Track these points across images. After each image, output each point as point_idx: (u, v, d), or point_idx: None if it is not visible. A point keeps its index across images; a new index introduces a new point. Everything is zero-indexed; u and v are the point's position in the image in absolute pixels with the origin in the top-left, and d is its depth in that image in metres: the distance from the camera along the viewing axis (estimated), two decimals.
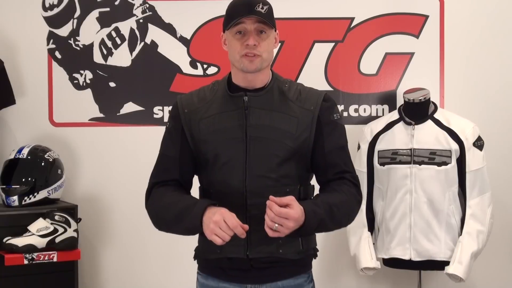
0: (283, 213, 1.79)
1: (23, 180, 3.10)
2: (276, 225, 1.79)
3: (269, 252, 1.94)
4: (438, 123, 3.07)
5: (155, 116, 3.43)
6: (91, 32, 3.44)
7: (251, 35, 1.91)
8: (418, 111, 3.10)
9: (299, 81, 3.41)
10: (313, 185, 2.07)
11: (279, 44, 3.41)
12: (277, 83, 2.02)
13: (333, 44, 3.44)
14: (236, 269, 1.98)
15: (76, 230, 3.06)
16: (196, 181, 2.10)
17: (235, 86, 2.01)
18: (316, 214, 1.87)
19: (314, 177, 2.09)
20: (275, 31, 1.99)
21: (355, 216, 2.04)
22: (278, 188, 1.93)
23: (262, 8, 1.90)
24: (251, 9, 1.89)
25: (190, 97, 2.05)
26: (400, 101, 3.30)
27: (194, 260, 2.10)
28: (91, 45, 3.45)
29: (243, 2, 1.92)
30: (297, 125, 1.96)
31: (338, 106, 3.39)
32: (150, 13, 3.45)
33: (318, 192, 2.04)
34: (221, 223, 1.81)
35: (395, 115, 3.17)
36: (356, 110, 3.45)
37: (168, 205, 1.96)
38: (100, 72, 3.45)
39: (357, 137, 3.25)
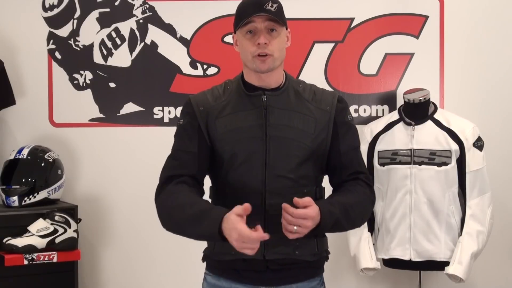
0: (302, 214, 1.78)
1: (23, 180, 3.10)
2: (295, 227, 1.79)
3: (286, 254, 1.92)
4: (438, 123, 3.07)
5: (155, 116, 3.43)
6: (91, 32, 3.44)
7: (262, 34, 1.89)
8: (418, 111, 3.10)
9: None
10: (324, 187, 2.05)
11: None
12: (291, 83, 2.02)
13: (333, 44, 3.44)
14: (251, 270, 1.94)
15: (76, 231, 3.06)
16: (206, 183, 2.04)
17: (250, 85, 1.99)
18: (332, 214, 1.86)
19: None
20: (287, 29, 1.98)
21: (369, 216, 2.08)
22: (296, 188, 1.92)
23: (272, 6, 1.89)
24: (260, 7, 1.88)
25: (203, 96, 2.01)
26: (400, 102, 3.30)
27: (203, 262, 2.05)
28: (91, 45, 3.45)
29: (252, 1, 1.90)
30: (315, 125, 1.96)
31: None
32: (150, 13, 3.45)
33: (331, 194, 2.03)
34: (243, 239, 1.74)
35: (395, 115, 3.17)
36: (356, 111, 3.45)
37: (182, 206, 1.87)
38: (100, 73, 3.45)
39: None
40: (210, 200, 1.99)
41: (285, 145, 1.93)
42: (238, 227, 1.74)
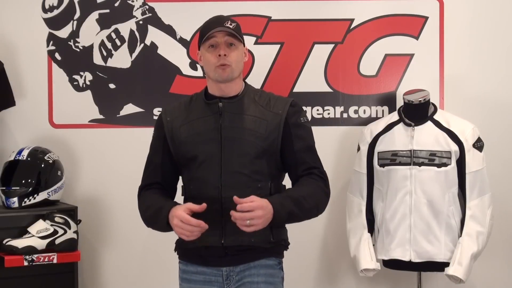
0: (247, 207, 2.02)
1: (23, 181, 3.10)
2: (248, 221, 2.02)
3: (242, 241, 2.17)
4: (437, 124, 3.07)
5: (155, 117, 3.42)
6: (91, 33, 3.44)
7: (222, 47, 2.20)
8: (417, 112, 3.10)
9: (298, 82, 3.42)
10: (285, 185, 2.32)
11: (278, 45, 3.43)
12: (249, 92, 2.30)
13: (332, 45, 3.44)
14: (212, 255, 2.22)
15: (76, 232, 3.06)
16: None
17: (211, 95, 2.29)
18: (284, 206, 2.11)
19: (286, 177, 2.33)
20: (244, 46, 2.28)
21: (325, 206, 2.27)
22: (250, 183, 2.19)
23: (231, 24, 2.22)
24: (220, 24, 2.21)
25: (172, 108, 2.35)
26: (400, 103, 3.30)
27: (175, 251, 2.36)
28: (91, 46, 3.45)
29: (213, 20, 2.26)
30: (266, 126, 2.22)
31: (338, 107, 3.44)
32: (150, 14, 3.45)
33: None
34: (181, 225, 2.08)
35: (394, 116, 3.18)
36: (356, 112, 3.45)
37: (147, 207, 2.27)
38: (100, 74, 3.45)
39: (357, 139, 3.25)
40: (182, 196, 2.32)
41: (238, 144, 2.20)
42: (178, 213, 2.08)
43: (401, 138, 3.08)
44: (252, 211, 2.02)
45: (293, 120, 2.26)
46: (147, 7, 3.44)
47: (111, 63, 3.45)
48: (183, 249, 2.31)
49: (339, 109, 3.44)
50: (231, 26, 2.21)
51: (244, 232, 2.08)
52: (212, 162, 2.20)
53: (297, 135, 2.25)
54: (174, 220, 2.09)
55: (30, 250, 2.90)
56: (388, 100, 3.45)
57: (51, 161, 3.18)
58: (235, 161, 2.19)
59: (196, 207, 2.09)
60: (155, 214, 2.21)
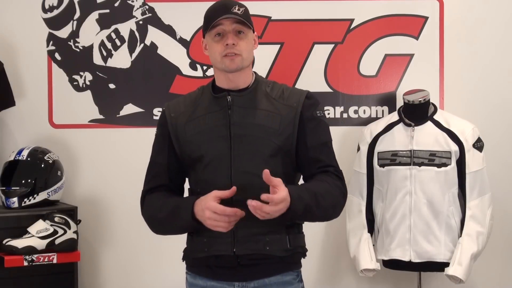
0: (271, 201, 1.82)
1: (23, 181, 3.09)
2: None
3: (256, 249, 1.98)
4: (437, 124, 3.07)
5: (154, 117, 3.42)
6: (90, 33, 3.44)
7: (230, 35, 1.98)
8: (417, 112, 3.10)
9: (298, 82, 3.42)
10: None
11: (278, 45, 3.43)
12: (260, 83, 2.09)
13: (332, 45, 3.44)
14: (223, 267, 2.01)
15: (76, 232, 3.06)
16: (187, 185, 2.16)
17: (219, 88, 2.08)
18: (301, 199, 1.90)
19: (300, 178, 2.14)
20: (254, 32, 2.06)
21: (341, 208, 2.07)
22: (264, 184, 1.90)
23: (239, 10, 1.99)
24: (228, 10, 1.97)
25: (177, 103, 2.13)
26: (399, 103, 3.30)
27: (183, 261, 2.14)
28: (91, 46, 3.45)
29: (220, 6, 2.01)
30: (280, 121, 2.01)
31: (338, 107, 3.43)
32: (150, 14, 3.45)
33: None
34: (215, 216, 1.87)
35: (394, 116, 3.18)
36: (355, 112, 3.45)
37: (159, 208, 2.04)
38: (99, 74, 3.45)
39: (357, 139, 3.25)
40: None
41: (250, 142, 1.99)
42: (210, 205, 1.87)
43: (401, 138, 3.08)
44: (276, 205, 1.83)
45: (308, 114, 2.04)
46: (147, 7, 3.44)
47: (111, 63, 3.45)
48: (191, 258, 2.08)
49: (339, 109, 3.44)
50: (239, 12, 1.98)
51: (258, 239, 1.96)
52: (221, 162, 1.99)
53: (311, 131, 2.04)
54: (207, 213, 1.87)
55: (30, 250, 2.89)
56: (388, 100, 3.45)
57: (51, 161, 3.18)
58: (247, 160, 1.97)
59: (226, 193, 1.89)
60: (172, 213, 1.99)
